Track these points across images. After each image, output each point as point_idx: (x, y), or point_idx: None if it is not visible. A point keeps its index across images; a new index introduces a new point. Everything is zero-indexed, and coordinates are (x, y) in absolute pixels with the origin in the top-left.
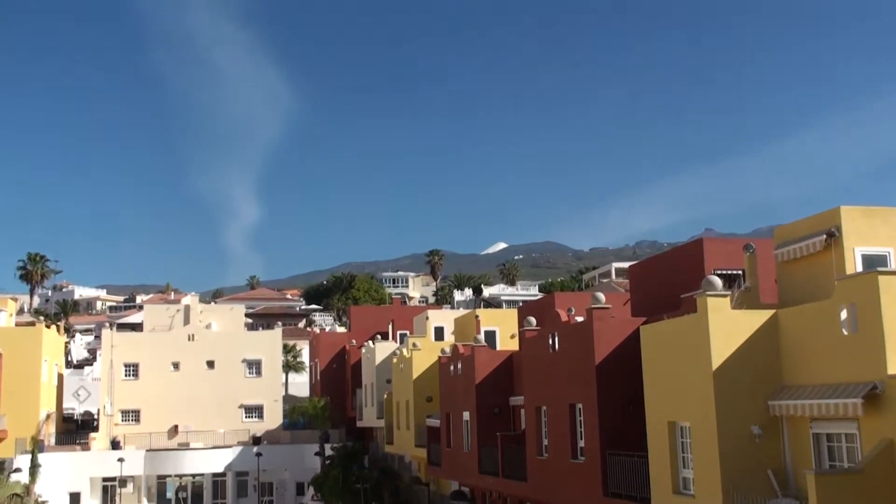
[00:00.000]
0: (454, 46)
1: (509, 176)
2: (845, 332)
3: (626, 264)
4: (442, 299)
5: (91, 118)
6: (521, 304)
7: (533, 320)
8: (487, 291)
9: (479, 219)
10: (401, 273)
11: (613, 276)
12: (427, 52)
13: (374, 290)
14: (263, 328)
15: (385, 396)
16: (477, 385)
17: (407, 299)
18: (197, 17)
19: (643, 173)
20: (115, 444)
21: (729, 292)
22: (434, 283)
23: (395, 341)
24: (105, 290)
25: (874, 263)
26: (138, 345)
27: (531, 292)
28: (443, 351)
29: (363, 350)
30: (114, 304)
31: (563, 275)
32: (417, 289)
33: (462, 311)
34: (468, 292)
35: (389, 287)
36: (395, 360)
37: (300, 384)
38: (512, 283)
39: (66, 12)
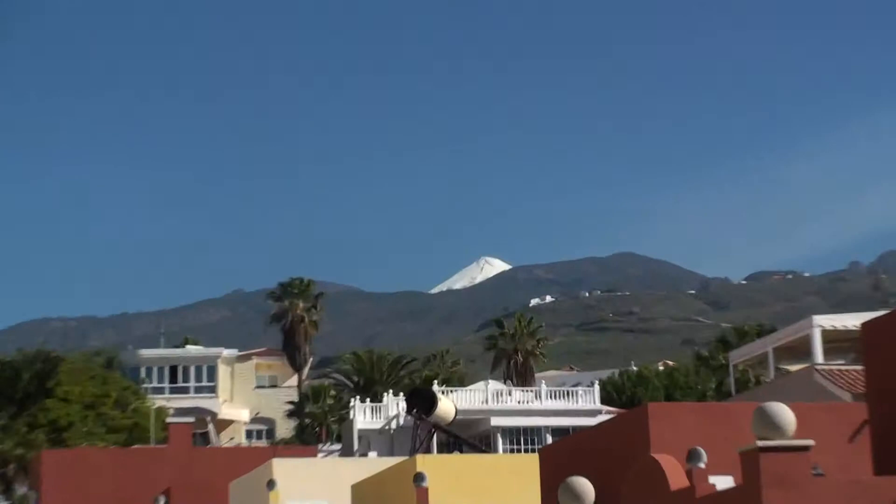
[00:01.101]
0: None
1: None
2: None
3: (849, 319)
4: (319, 424)
5: None
6: (548, 434)
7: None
8: (455, 397)
9: (430, 212)
10: (194, 352)
11: (818, 353)
12: None
13: (120, 397)
14: None
15: None
16: None
17: (212, 430)
18: None
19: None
20: None
21: None
22: (298, 377)
23: None
24: None
25: None
26: None
27: (574, 406)
28: None
29: None
30: None
31: (662, 341)
32: (240, 398)
33: (378, 461)
34: (391, 403)
35: (158, 393)
36: None
37: None
38: (517, 374)
39: None
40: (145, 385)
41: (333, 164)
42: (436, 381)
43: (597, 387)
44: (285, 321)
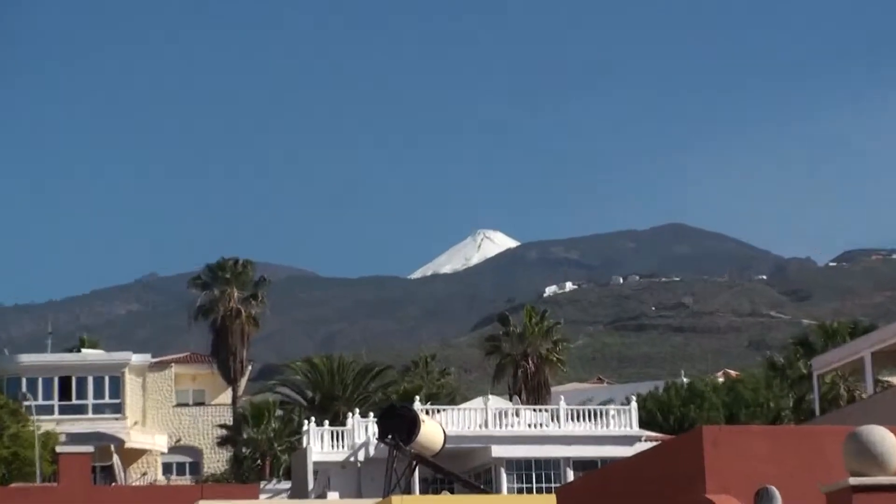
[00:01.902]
0: None
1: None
2: None
3: None
4: (261, 454)
5: None
6: (568, 468)
7: None
8: (444, 418)
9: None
10: (92, 358)
11: None
12: None
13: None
14: None
15: None
16: None
17: (118, 463)
18: None
19: None
20: None
21: None
22: (233, 392)
23: None
24: None
25: None
26: None
27: (603, 431)
28: None
29: None
30: None
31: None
32: (155, 420)
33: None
34: (357, 426)
35: (45, 413)
36: None
37: None
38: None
39: None
40: (27, 403)
41: (278, 117)
42: (418, 398)
43: (634, 405)
44: (215, 316)
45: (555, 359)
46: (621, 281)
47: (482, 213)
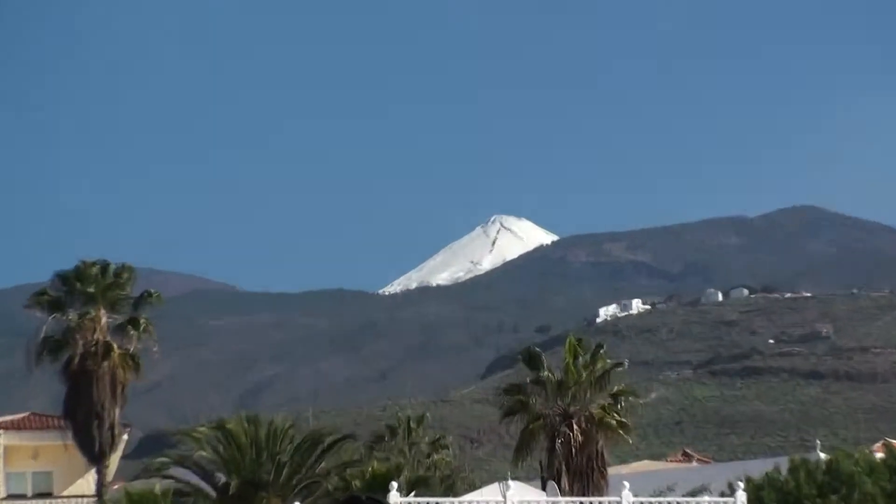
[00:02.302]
0: None
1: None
2: None
3: None
4: None
5: None
6: None
7: None
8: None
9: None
10: None
11: None
12: None
13: None
14: None
15: None
16: None
17: None
18: None
19: None
20: None
21: None
22: (99, 478)
23: None
24: None
25: None
26: None
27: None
28: None
29: None
30: None
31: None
32: None
33: None
34: None
35: None
36: None
37: None
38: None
39: None
40: None
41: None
42: (395, 485)
43: (742, 496)
44: (70, 354)
45: (614, 422)
46: (719, 297)
47: (499, 194)
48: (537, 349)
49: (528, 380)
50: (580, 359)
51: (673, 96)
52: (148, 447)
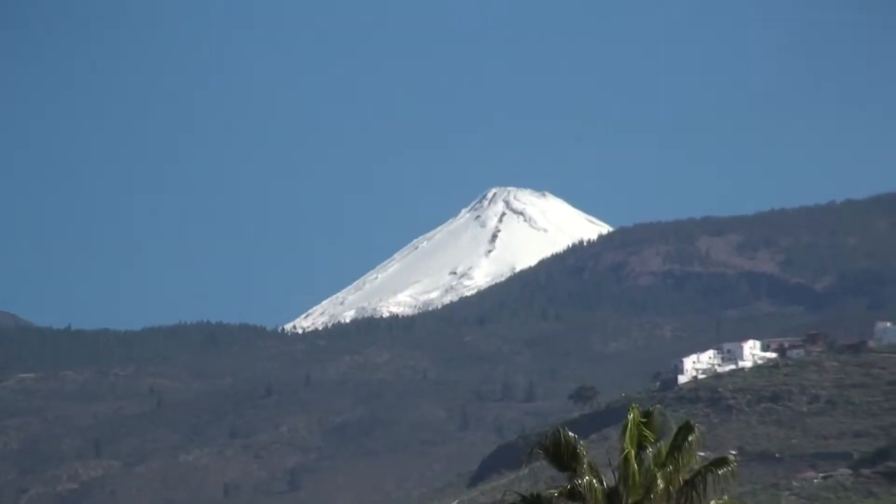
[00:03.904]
0: None
1: None
2: None
3: None
4: None
5: None
6: None
7: None
8: None
9: None
10: None
11: None
12: None
13: None
14: None
15: None
16: None
17: None
18: None
19: None
20: None
21: None
22: None
23: None
24: None
25: None
26: None
27: None
28: None
29: None
30: None
31: None
32: None
33: None
34: None
35: None
36: None
37: None
38: None
39: None
40: None
41: None
42: None
43: None
44: None
45: None
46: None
47: (500, 153)
48: (572, 433)
49: (554, 491)
50: (650, 450)
51: None
52: None
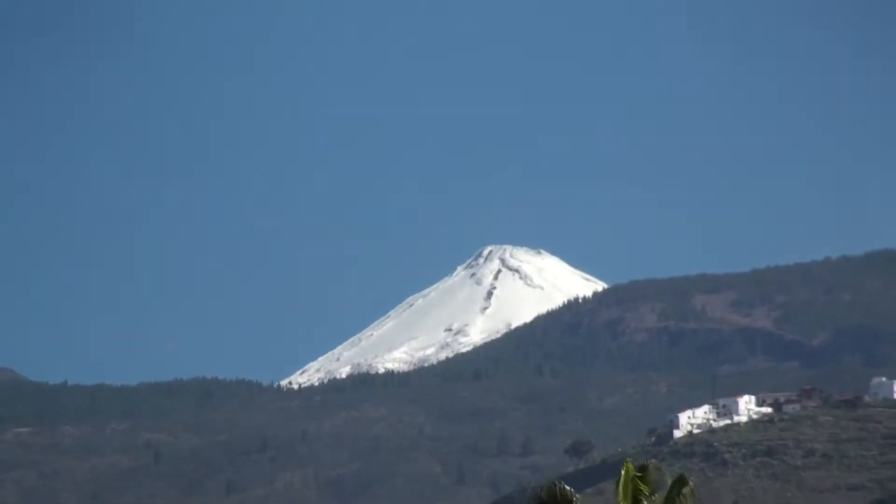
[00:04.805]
0: None
1: None
2: None
3: None
4: None
5: None
6: None
7: None
8: None
9: None
10: None
11: None
12: None
13: None
14: None
15: None
16: None
17: None
18: None
19: None
20: None
21: None
22: None
23: None
24: None
25: None
26: None
27: None
28: None
29: None
30: None
31: None
32: None
33: None
34: None
35: None
36: None
37: None
38: None
39: None
40: None
41: None
42: None
43: None
44: None
45: None
46: None
47: (497, 213)
48: (567, 487)
49: None
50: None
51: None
52: None
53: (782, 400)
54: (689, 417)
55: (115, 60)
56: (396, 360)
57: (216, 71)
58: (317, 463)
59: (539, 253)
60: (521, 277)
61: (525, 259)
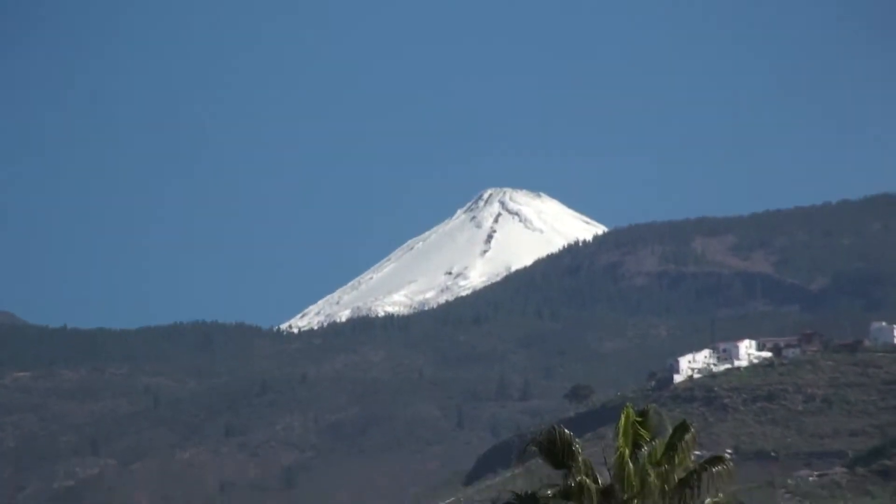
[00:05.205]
0: None
1: None
2: None
3: None
4: None
5: None
6: None
7: None
8: None
9: None
10: None
11: None
12: None
13: None
14: None
15: None
16: None
17: None
18: None
19: None
20: None
21: None
22: None
23: None
24: None
25: None
26: None
27: None
28: None
29: None
30: None
31: None
32: None
33: None
34: None
35: None
36: None
37: None
38: None
39: None
40: None
41: None
42: None
43: None
44: None
45: None
46: None
47: (497, 156)
48: (567, 431)
49: (549, 490)
50: (645, 449)
51: None
52: None
53: (782, 344)
54: (689, 362)
55: None
56: (396, 303)
57: None
58: (316, 406)
59: (539, 196)
60: (521, 221)
61: (525, 202)
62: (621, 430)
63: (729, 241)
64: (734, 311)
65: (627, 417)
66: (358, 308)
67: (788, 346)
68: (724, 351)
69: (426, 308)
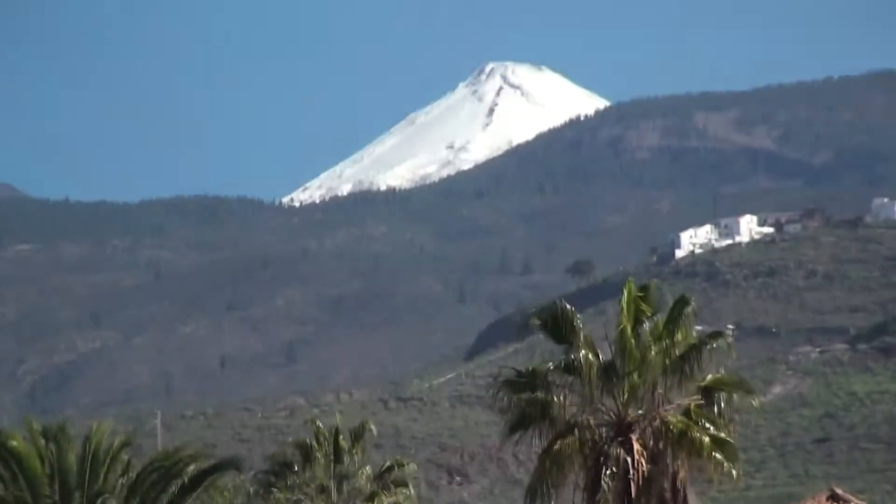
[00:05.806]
0: None
1: None
2: None
3: None
4: None
5: None
6: None
7: None
8: None
9: None
10: None
11: None
12: None
13: None
14: None
15: None
16: None
17: None
18: None
19: None
20: None
21: None
22: None
23: None
24: None
25: None
26: None
27: None
28: None
29: None
30: None
31: None
32: None
33: None
34: None
35: None
36: None
37: None
38: None
39: None
40: None
41: None
42: None
43: None
44: None
45: (707, 438)
46: None
47: (497, 28)
48: (568, 305)
49: (550, 364)
50: (646, 324)
51: None
52: None
53: (784, 220)
54: (690, 237)
55: None
56: (398, 177)
57: None
58: (318, 281)
59: (541, 69)
60: (522, 94)
61: (527, 76)
62: (623, 306)
63: (731, 115)
64: (736, 187)
65: (629, 293)
66: (360, 182)
67: (790, 221)
68: (726, 227)
69: (428, 182)
